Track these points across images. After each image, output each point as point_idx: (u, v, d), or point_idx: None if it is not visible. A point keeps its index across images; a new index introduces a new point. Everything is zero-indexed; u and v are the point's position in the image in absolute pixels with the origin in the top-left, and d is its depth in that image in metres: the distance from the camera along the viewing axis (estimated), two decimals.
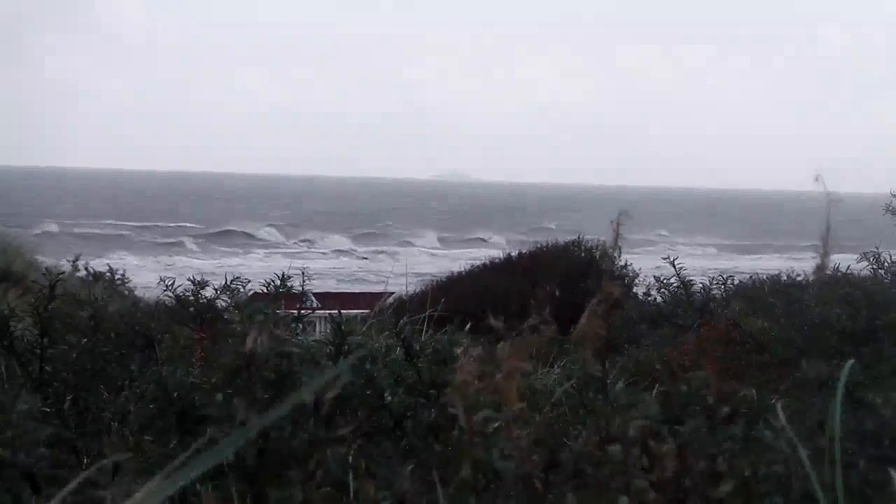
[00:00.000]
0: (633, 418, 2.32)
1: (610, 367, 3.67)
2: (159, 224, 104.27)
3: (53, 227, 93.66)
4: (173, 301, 6.22)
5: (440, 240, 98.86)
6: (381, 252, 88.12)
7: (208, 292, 6.15)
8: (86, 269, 8.88)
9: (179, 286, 6.14)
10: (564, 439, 2.77)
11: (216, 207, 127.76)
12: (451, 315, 7.67)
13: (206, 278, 6.30)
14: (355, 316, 9.20)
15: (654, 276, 8.07)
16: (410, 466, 3.04)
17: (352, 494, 2.77)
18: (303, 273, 6.42)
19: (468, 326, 6.15)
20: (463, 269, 23.26)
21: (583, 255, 21.17)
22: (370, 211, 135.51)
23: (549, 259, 21.44)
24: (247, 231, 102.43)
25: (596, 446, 2.38)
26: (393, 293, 16.63)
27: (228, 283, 6.23)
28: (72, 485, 2.03)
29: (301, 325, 6.06)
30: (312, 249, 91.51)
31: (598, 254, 20.23)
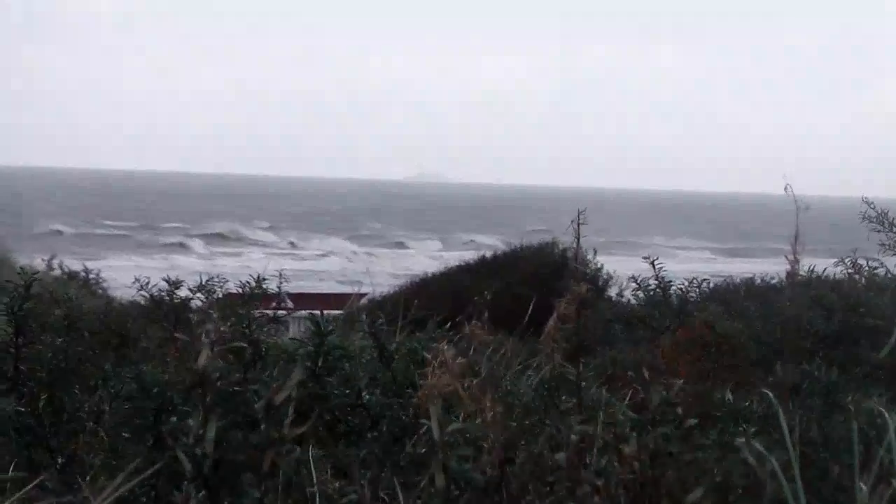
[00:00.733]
0: (577, 424, 2.34)
1: (582, 368, 3.68)
2: (160, 225, 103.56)
3: (62, 228, 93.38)
4: (148, 301, 6.22)
5: (442, 241, 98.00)
6: (383, 253, 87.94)
7: (183, 292, 6.15)
8: (60, 268, 8.89)
9: (154, 286, 6.14)
10: (523, 442, 2.79)
11: (201, 208, 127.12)
12: (425, 316, 7.68)
13: (212, 279, 6.30)
14: (330, 316, 9.20)
15: (632, 277, 8.07)
16: (382, 470, 3.05)
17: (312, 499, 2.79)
18: (280, 274, 6.43)
19: (441, 327, 6.16)
20: (437, 271, 23.28)
21: (556, 256, 21.19)
22: (360, 212, 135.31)
23: (522, 260, 21.48)
24: (246, 232, 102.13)
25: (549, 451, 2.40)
26: (366, 294, 16.62)
27: (203, 283, 6.23)
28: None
29: (276, 326, 6.07)
30: (310, 250, 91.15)
31: (569, 255, 20.26)
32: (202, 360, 2.48)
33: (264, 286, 6.17)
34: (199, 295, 6.23)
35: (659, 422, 2.39)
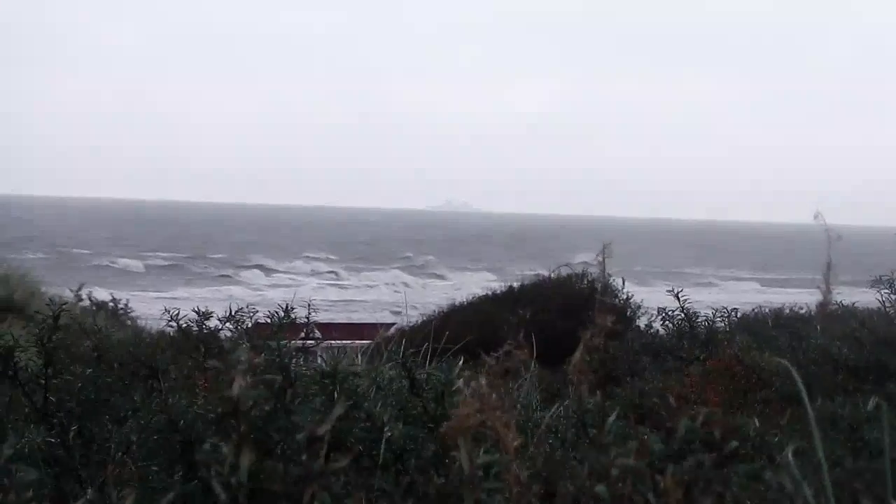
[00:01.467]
0: (621, 455, 2.33)
1: (608, 400, 3.68)
2: (207, 255, 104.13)
3: (126, 260, 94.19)
4: (176, 331, 6.23)
5: (492, 271, 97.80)
6: (434, 283, 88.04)
7: (212, 322, 6.16)
8: (89, 298, 8.94)
9: (184, 316, 6.15)
10: (561, 475, 2.78)
11: (235, 238, 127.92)
12: (453, 346, 7.68)
13: (241, 309, 6.31)
14: (360, 347, 9.21)
15: (659, 308, 8.06)
16: (410, 501, 3.04)
17: None
18: (308, 305, 6.44)
19: (468, 358, 6.16)
20: (465, 300, 23.29)
21: (584, 286, 21.18)
22: (399, 242, 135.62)
23: (549, 290, 21.47)
24: (296, 262, 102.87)
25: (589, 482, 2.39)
26: (394, 324, 16.65)
27: (232, 313, 6.24)
28: None
29: (303, 357, 6.08)
30: (359, 280, 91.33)
31: (598, 285, 20.24)
32: (236, 387, 2.49)
33: (293, 316, 6.18)
34: (228, 325, 6.24)
35: (689, 451, 2.38)
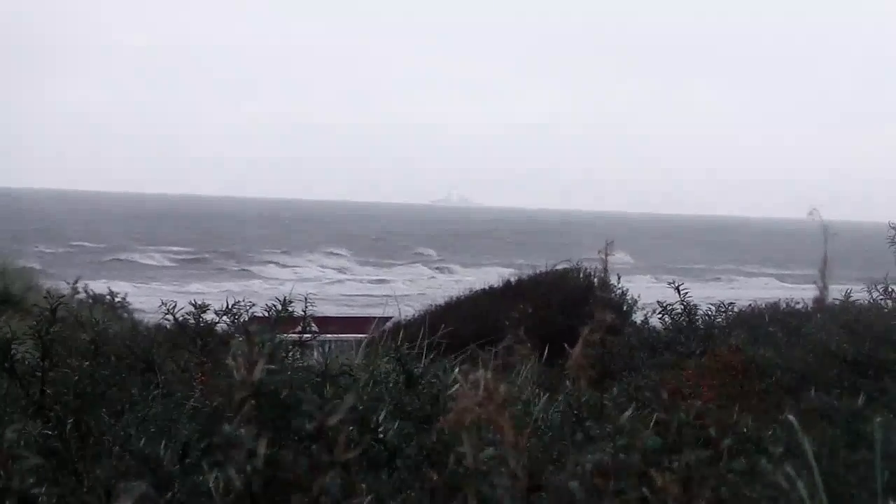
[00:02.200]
0: (591, 452, 2.33)
1: (607, 395, 3.67)
2: (221, 249, 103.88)
3: (157, 258, 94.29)
4: (173, 325, 6.23)
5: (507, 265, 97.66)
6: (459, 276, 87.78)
7: (208, 316, 6.15)
8: (85, 291, 8.93)
9: (180, 310, 6.14)
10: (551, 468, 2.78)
11: (248, 232, 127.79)
12: (450, 340, 7.68)
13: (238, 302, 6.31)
14: (358, 340, 9.20)
15: (658, 302, 8.06)
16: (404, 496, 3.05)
17: None
18: (305, 298, 6.43)
19: (465, 352, 6.16)
20: (462, 294, 23.23)
21: (582, 281, 21.16)
22: (407, 236, 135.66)
23: (547, 285, 21.43)
24: (313, 256, 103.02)
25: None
26: (391, 317, 16.62)
27: (229, 306, 6.24)
28: None
29: (300, 350, 6.08)
30: (377, 275, 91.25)
31: (595, 280, 20.24)
32: (258, 372, 2.48)
33: (290, 309, 6.18)
34: (224, 318, 6.24)
35: (684, 444, 2.38)
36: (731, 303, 8.53)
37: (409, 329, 9.74)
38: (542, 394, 5.36)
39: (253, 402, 2.44)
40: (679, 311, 7.73)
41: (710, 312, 7.82)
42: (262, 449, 2.37)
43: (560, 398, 4.80)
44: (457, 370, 4.26)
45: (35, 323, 4.62)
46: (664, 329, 8.05)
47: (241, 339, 2.68)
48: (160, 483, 3.57)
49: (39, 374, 4.57)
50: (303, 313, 6.31)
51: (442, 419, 2.55)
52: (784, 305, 12.92)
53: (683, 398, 4.01)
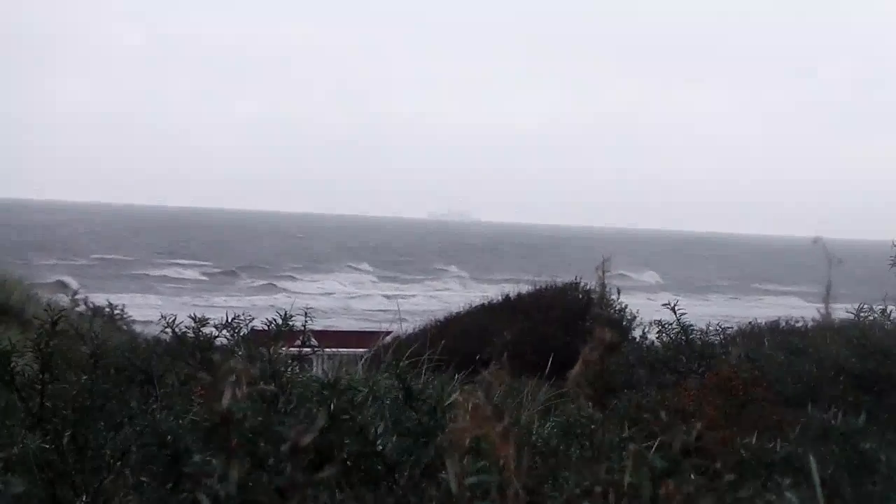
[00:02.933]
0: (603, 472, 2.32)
1: (606, 414, 3.67)
2: (237, 264, 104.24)
3: (185, 273, 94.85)
4: (172, 338, 6.22)
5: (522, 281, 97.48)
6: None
7: (208, 329, 6.14)
8: (85, 304, 8.93)
9: (180, 322, 6.14)
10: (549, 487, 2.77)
11: (269, 246, 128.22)
12: (449, 356, 7.68)
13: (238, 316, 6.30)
14: (354, 355, 9.20)
15: (656, 321, 8.06)
16: None
17: None
18: (305, 312, 6.42)
19: (465, 368, 6.16)
20: (461, 309, 23.25)
21: (581, 297, 21.17)
22: (427, 251, 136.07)
23: (547, 301, 21.45)
24: (341, 270, 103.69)
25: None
26: (391, 332, 16.63)
27: (229, 320, 6.23)
28: None
29: (298, 364, 6.06)
30: (403, 290, 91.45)
31: (595, 297, 20.24)
32: (225, 400, 2.48)
33: (290, 323, 6.17)
34: (224, 332, 6.23)
35: (687, 466, 2.37)
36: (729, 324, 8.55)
37: (410, 344, 9.74)
38: (541, 412, 5.36)
39: (223, 430, 2.44)
40: (677, 329, 7.72)
41: (708, 330, 7.82)
42: (234, 474, 2.37)
43: (559, 417, 4.79)
44: (451, 387, 4.26)
45: (35, 335, 4.62)
46: (664, 347, 8.04)
47: (238, 355, 2.67)
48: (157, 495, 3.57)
49: (39, 386, 4.57)
50: (302, 327, 6.30)
51: (439, 436, 2.54)
52: (784, 324, 12.94)
53: (684, 418, 4.00)
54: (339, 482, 3.68)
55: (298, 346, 6.42)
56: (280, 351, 5.14)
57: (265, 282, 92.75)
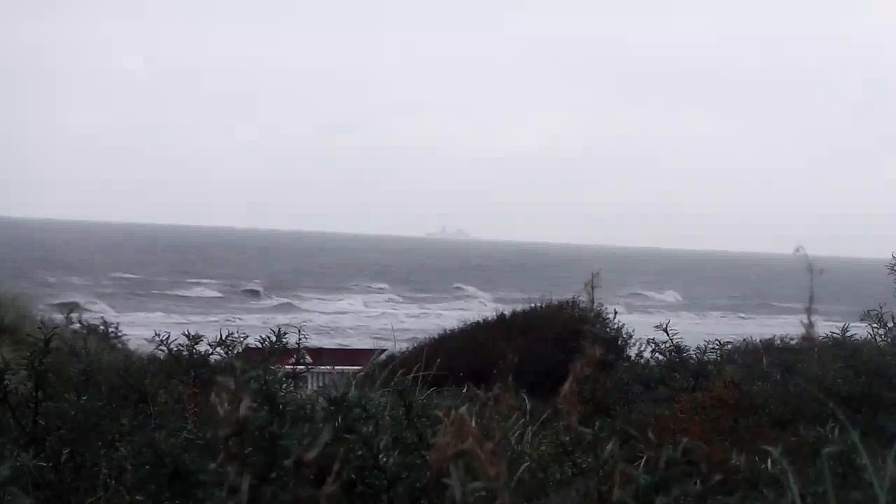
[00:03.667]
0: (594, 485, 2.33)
1: (598, 431, 3.68)
2: (244, 283, 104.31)
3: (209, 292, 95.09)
4: (166, 355, 6.22)
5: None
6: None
7: (202, 347, 6.15)
8: (80, 322, 8.91)
9: (174, 340, 6.14)
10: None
11: (279, 266, 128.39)
12: (445, 374, 7.68)
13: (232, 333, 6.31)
14: (351, 372, 9.20)
15: (651, 339, 8.09)
16: None
17: None
18: (299, 330, 6.44)
19: (461, 386, 6.16)
20: (456, 327, 23.23)
21: (577, 315, 21.16)
22: (438, 270, 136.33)
23: (542, 319, 21.45)
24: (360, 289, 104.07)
25: None
26: (385, 350, 16.64)
27: (223, 337, 6.23)
28: None
29: (294, 382, 6.07)
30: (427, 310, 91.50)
31: (590, 314, 20.22)
32: (244, 408, 2.48)
33: (284, 341, 6.18)
34: (218, 350, 6.24)
35: (672, 481, 2.39)
36: (729, 340, 8.57)
37: (404, 362, 9.73)
38: (531, 428, 5.36)
39: (237, 439, 2.45)
40: (670, 347, 7.76)
41: (700, 349, 7.86)
42: (245, 485, 2.38)
43: (549, 433, 4.80)
44: (451, 405, 4.27)
45: (29, 353, 4.62)
46: (657, 365, 8.06)
47: (227, 374, 2.67)
48: None
49: (33, 404, 4.57)
50: (296, 345, 6.32)
51: (429, 453, 2.55)
52: (778, 341, 12.95)
53: (673, 434, 4.01)
54: (341, 498, 3.69)
55: (292, 364, 6.44)
56: (274, 368, 5.16)
57: (285, 300, 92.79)
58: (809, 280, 2.88)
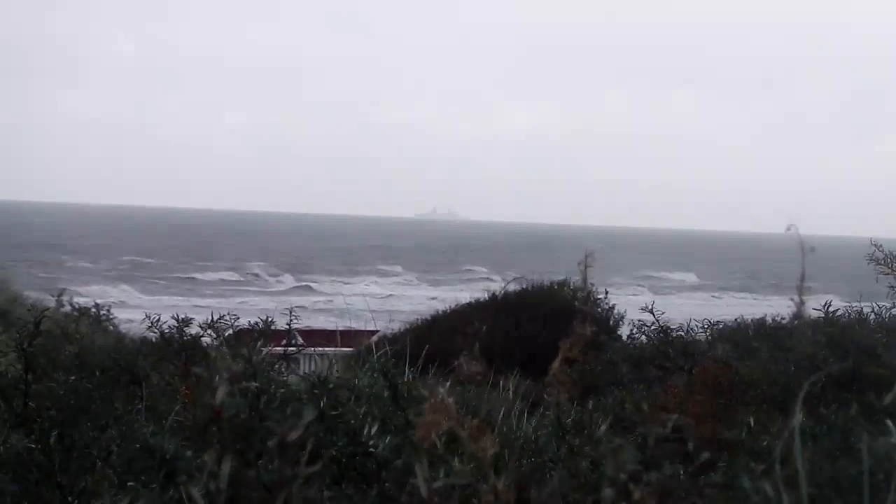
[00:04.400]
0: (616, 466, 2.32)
1: (589, 410, 3.67)
2: (246, 264, 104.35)
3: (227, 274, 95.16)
4: (158, 338, 6.22)
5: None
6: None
7: (193, 329, 6.14)
8: (70, 304, 8.88)
9: (165, 322, 6.14)
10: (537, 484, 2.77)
11: (287, 247, 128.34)
12: (436, 355, 7.68)
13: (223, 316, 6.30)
14: (341, 354, 9.19)
15: (639, 319, 8.08)
16: None
17: None
18: (290, 311, 6.43)
19: (448, 367, 6.15)
20: (447, 308, 23.19)
21: (570, 295, 21.13)
22: (439, 251, 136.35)
23: (533, 299, 21.42)
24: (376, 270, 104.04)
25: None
26: (377, 331, 16.63)
27: (214, 320, 6.23)
28: None
29: (285, 363, 6.07)
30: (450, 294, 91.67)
31: (579, 294, 20.21)
32: (219, 396, 2.48)
33: (273, 323, 6.18)
34: (209, 332, 6.23)
35: (663, 458, 2.38)
36: (719, 320, 8.57)
37: (394, 343, 9.73)
38: (522, 409, 5.36)
39: (215, 426, 2.44)
40: (658, 328, 7.75)
41: (689, 328, 7.86)
42: (225, 469, 2.37)
43: (539, 413, 4.80)
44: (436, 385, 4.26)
45: (18, 335, 4.60)
46: (650, 345, 8.05)
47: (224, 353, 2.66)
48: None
49: (23, 386, 4.55)
50: (287, 327, 6.32)
51: (412, 434, 2.54)
52: (770, 320, 12.94)
53: (668, 413, 4.01)
54: (332, 481, 3.69)
55: (283, 346, 6.43)
56: (262, 350, 5.15)
57: (302, 283, 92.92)
58: (801, 259, 2.87)
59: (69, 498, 4.15)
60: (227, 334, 6.15)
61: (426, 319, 21.98)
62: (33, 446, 4.33)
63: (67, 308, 8.86)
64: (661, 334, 7.66)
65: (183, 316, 6.11)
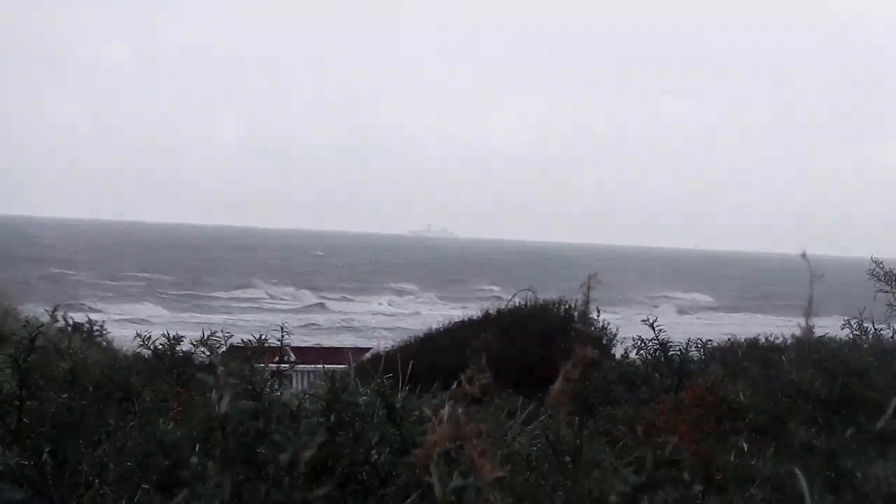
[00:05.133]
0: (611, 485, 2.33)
1: (584, 430, 3.68)
2: (259, 281, 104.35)
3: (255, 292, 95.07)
4: (151, 354, 6.22)
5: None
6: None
7: (185, 346, 6.15)
8: (64, 320, 8.91)
9: (157, 339, 6.14)
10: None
11: (297, 266, 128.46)
12: (430, 372, 7.67)
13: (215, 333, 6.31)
14: (333, 371, 9.17)
15: (636, 336, 8.08)
16: None
17: None
18: (282, 328, 6.44)
19: (445, 384, 6.15)
20: (441, 326, 23.22)
21: (562, 314, 21.17)
22: (453, 266, 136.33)
23: (527, 317, 21.45)
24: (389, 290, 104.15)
25: None
26: (370, 349, 16.65)
27: (205, 337, 6.23)
28: None
29: (278, 380, 6.07)
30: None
31: (575, 314, 20.24)
32: (224, 405, 2.47)
33: (267, 340, 6.18)
34: (202, 349, 6.23)
35: (661, 482, 2.38)
36: (710, 339, 8.57)
37: (388, 360, 9.72)
38: (513, 423, 5.36)
39: (219, 435, 2.44)
40: (655, 346, 7.75)
41: (683, 347, 7.85)
42: (227, 482, 2.37)
43: (537, 431, 4.80)
44: (427, 401, 4.27)
45: (12, 351, 4.61)
46: (643, 364, 8.05)
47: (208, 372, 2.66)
48: None
49: (17, 402, 4.56)
50: (279, 343, 6.32)
51: (414, 452, 2.54)
52: (763, 340, 12.93)
53: (658, 433, 4.02)
54: (335, 497, 3.69)
55: (276, 362, 6.44)
56: (257, 367, 5.16)
57: (316, 301, 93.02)
58: (810, 285, 2.89)
59: None
60: (221, 351, 6.15)
61: (419, 337, 22.02)
62: (26, 462, 4.33)
63: (61, 324, 8.88)
64: (659, 351, 7.67)
65: (174, 334, 6.12)
